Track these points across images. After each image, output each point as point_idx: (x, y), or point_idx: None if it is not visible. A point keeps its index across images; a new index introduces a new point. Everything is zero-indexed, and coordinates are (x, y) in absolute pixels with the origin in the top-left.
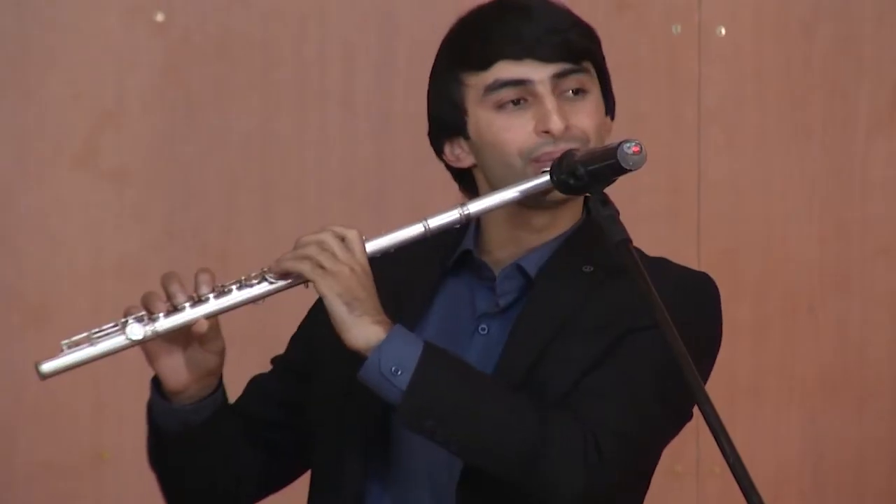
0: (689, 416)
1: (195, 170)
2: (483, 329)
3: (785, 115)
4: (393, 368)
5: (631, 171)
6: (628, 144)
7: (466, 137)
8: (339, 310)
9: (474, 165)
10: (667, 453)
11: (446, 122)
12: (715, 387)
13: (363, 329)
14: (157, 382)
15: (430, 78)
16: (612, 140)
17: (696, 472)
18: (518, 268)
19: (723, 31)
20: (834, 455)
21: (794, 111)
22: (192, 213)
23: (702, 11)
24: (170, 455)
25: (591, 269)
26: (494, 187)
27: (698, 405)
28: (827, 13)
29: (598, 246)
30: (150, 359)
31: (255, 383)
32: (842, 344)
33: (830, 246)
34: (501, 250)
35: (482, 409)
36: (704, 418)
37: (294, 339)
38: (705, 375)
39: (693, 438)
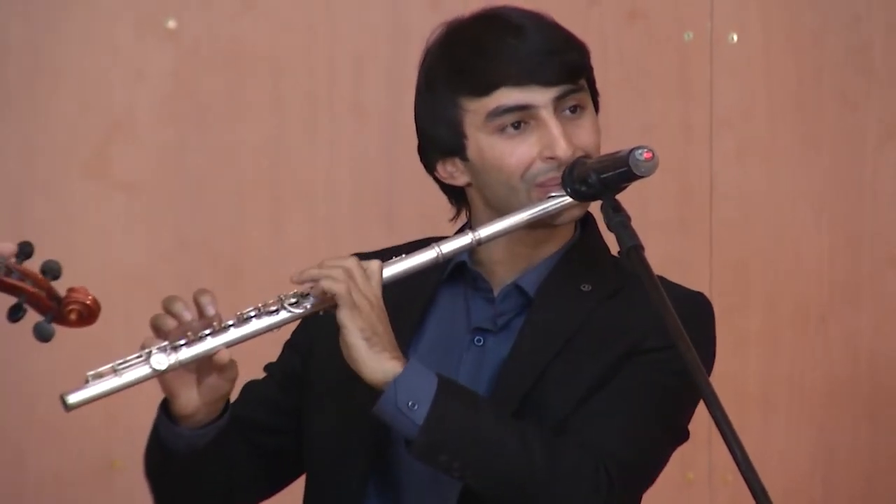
0: (687, 435)
1: (205, 179)
2: (479, 340)
3: (795, 124)
4: (409, 403)
5: (643, 177)
6: (640, 151)
7: (464, 159)
8: (358, 344)
9: (469, 184)
10: (679, 461)
11: (442, 143)
12: (725, 396)
13: (381, 364)
14: (165, 404)
15: (420, 93)
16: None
17: (708, 479)
18: (517, 287)
19: (735, 38)
20: (844, 465)
21: (804, 120)
22: (203, 223)
23: (714, 19)
24: (173, 473)
25: (590, 288)
26: (494, 208)
27: (711, 413)
28: (837, 23)
29: (595, 264)
30: (165, 385)
31: (252, 389)
32: (852, 354)
33: (840, 256)
34: (497, 263)
35: (495, 443)
36: (717, 426)
37: (289, 347)
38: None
39: (705, 446)
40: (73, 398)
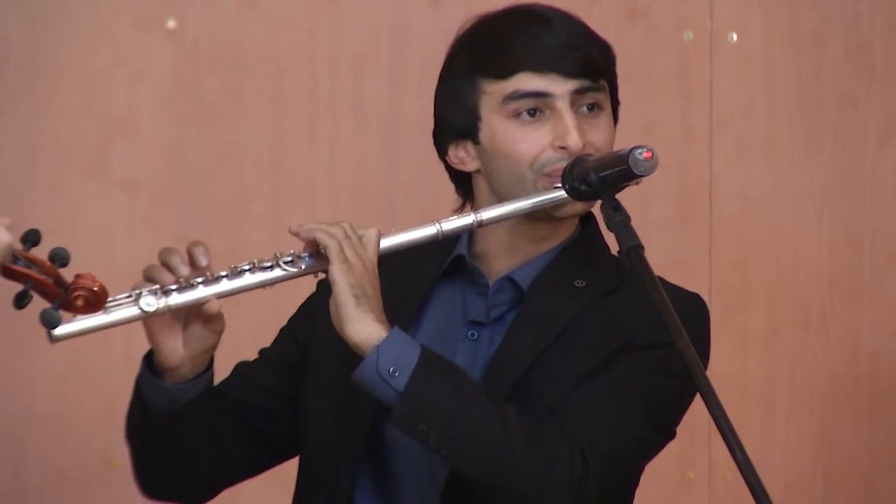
0: (673, 435)
1: (206, 178)
2: (472, 334)
3: (796, 123)
4: (391, 369)
5: (643, 176)
6: (640, 150)
7: (476, 142)
8: (346, 300)
9: (477, 171)
10: (679, 460)
11: (456, 125)
12: (725, 395)
13: (365, 324)
14: (148, 359)
15: (442, 78)
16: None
17: (708, 478)
18: (510, 280)
19: (734, 38)
20: (845, 464)
21: (804, 120)
22: (203, 222)
23: (713, 18)
24: (154, 432)
25: (584, 284)
26: (500, 196)
27: (711, 412)
28: (838, 22)
29: (592, 261)
30: (151, 333)
31: (244, 370)
32: (853, 353)
33: (841, 255)
34: (496, 257)
35: (474, 418)
36: (716, 425)
37: (287, 334)
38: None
39: (705, 445)
40: (58, 330)
